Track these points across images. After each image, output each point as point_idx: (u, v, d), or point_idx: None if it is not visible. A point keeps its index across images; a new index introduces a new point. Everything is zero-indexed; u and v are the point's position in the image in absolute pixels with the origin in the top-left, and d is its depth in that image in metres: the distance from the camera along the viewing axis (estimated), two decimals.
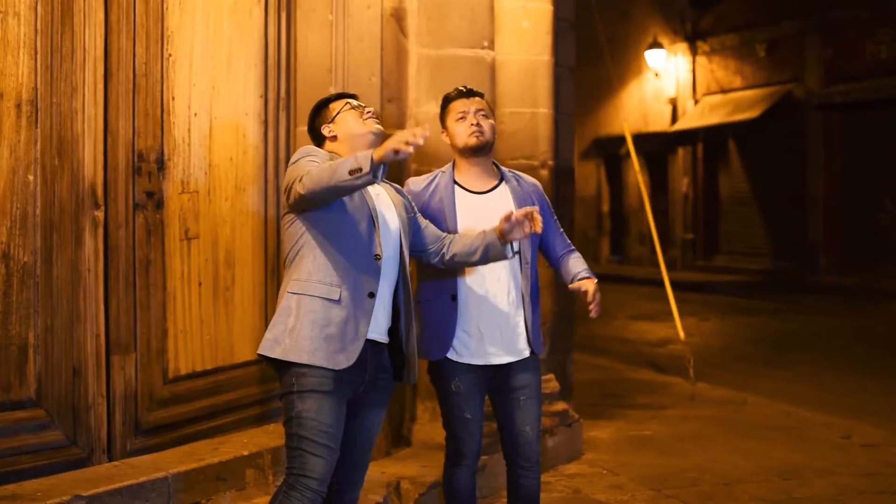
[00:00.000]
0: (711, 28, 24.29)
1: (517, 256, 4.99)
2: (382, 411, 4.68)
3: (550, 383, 7.59)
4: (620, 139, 26.36)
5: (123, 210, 5.44)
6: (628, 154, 26.55)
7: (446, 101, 5.14)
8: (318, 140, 4.66)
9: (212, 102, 5.88)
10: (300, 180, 4.24)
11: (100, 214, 5.32)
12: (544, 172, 7.47)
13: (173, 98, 5.68)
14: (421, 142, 4.12)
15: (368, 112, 4.65)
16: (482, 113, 5.07)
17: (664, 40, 25.19)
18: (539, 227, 4.58)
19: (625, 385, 10.97)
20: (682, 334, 11.48)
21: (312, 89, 6.34)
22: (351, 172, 4.11)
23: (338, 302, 4.36)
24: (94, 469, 5.23)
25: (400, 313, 4.62)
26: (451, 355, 4.98)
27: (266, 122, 6.28)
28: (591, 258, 28.18)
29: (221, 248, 5.97)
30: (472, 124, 5.01)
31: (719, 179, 24.61)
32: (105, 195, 5.35)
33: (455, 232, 4.95)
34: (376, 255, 4.43)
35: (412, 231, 4.77)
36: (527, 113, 7.42)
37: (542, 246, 5.21)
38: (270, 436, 5.96)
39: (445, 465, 5.18)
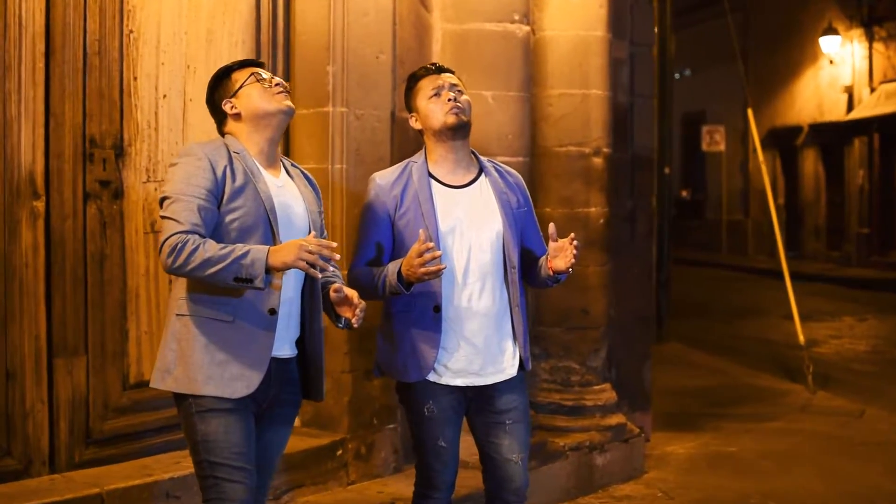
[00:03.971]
0: (888, 12, 22.75)
1: (503, 259, 4.34)
2: (287, 429, 4.07)
3: (604, 394, 6.89)
4: (796, 129, 25.23)
5: (71, 200, 4.99)
6: (804, 145, 25.49)
7: (413, 79, 4.45)
8: (219, 116, 3.99)
9: (186, 83, 5.39)
10: (169, 250, 3.63)
11: (39, 205, 4.88)
12: (597, 160, 6.78)
13: (135, 78, 5.21)
14: (331, 269, 3.71)
15: (278, 85, 3.96)
16: (457, 88, 4.39)
17: (839, 26, 23.79)
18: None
19: (736, 392, 10.11)
20: (801, 338, 10.59)
21: (311, 69, 5.80)
22: (238, 280, 3.60)
23: (231, 323, 3.76)
24: (24, 483, 4.79)
25: (306, 323, 4.00)
26: (428, 376, 4.31)
27: None
28: (766, 253, 26.99)
29: None
30: (448, 100, 4.31)
31: None
32: (46, 184, 4.91)
33: (436, 238, 4.21)
34: None
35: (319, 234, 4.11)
36: (577, 95, 6.74)
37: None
38: None
39: (414, 498, 4.53)
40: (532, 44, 6.61)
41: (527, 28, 6.31)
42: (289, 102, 3.96)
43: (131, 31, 5.18)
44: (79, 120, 5.01)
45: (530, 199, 4.55)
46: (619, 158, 7.35)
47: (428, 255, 3.97)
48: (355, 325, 3.91)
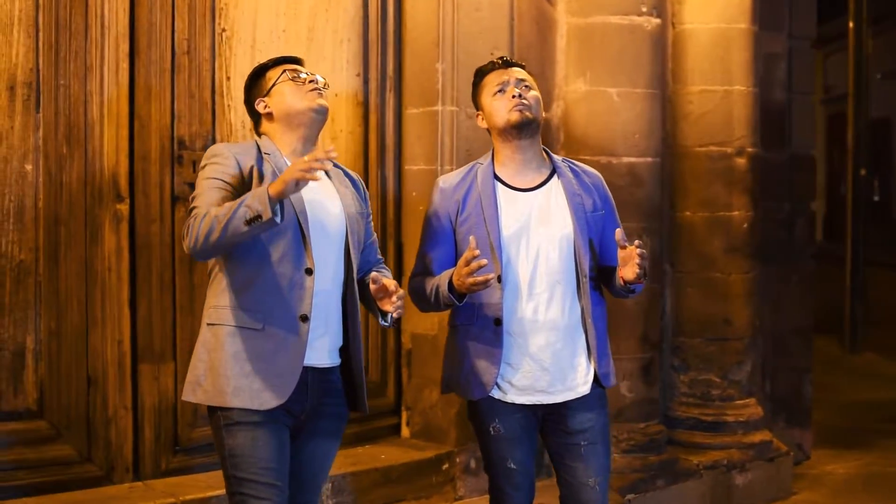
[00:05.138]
0: None
1: (574, 267, 3.99)
2: (332, 442, 3.82)
3: (748, 409, 6.46)
4: None
5: (157, 203, 4.90)
6: None
7: (479, 75, 4.14)
8: (254, 117, 3.83)
9: None
10: (186, 231, 3.51)
11: (123, 208, 4.80)
12: (741, 161, 6.35)
13: (228, 78, 5.08)
14: (329, 165, 3.42)
15: (311, 83, 3.75)
16: (525, 84, 4.07)
17: None
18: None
19: None
20: None
21: (420, 67, 5.60)
22: (249, 222, 3.38)
23: (261, 331, 3.57)
24: (101, 490, 4.71)
25: (349, 330, 3.77)
26: (492, 393, 4.01)
27: (366, 103, 5.57)
28: None
29: None
30: (512, 96, 3.98)
31: None
32: (131, 187, 4.82)
33: (498, 245, 3.94)
34: (307, 268, 3.60)
35: (364, 238, 3.89)
36: (718, 91, 6.33)
37: (598, 254, 4.16)
38: (347, 459, 5.26)
39: None
40: (671, 38, 6.28)
41: (656, 21, 5.92)
42: (322, 101, 3.76)
43: (223, 30, 5.06)
44: (166, 121, 4.91)
45: (612, 201, 4.18)
46: (772, 159, 6.88)
47: (474, 265, 3.69)
48: (396, 316, 3.69)
